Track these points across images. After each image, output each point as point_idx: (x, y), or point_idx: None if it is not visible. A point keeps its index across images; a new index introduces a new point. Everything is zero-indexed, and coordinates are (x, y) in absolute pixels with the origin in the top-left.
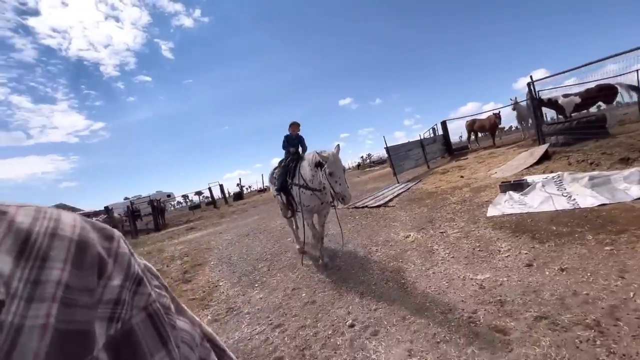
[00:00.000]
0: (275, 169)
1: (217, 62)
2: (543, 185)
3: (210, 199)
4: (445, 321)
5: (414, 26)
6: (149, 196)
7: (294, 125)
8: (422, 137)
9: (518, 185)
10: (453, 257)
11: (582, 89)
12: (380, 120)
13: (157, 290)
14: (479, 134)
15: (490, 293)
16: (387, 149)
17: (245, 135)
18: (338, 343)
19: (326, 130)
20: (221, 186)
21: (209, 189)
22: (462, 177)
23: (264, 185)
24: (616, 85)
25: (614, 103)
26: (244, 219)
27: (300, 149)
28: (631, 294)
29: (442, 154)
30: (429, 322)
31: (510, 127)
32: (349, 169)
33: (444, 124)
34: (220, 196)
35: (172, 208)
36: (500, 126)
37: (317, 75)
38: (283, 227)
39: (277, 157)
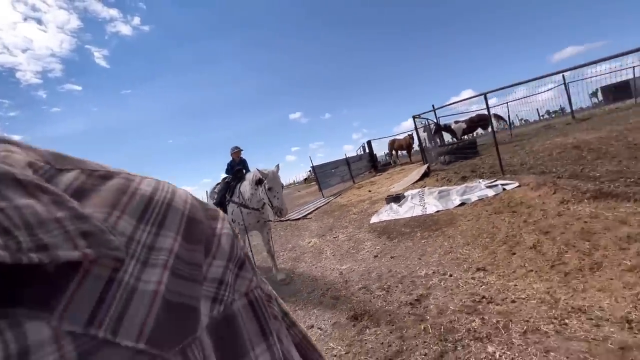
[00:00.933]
0: (217, 184)
1: (161, 73)
2: (412, 198)
3: None
4: (308, 298)
5: (362, 43)
6: None
7: (236, 151)
8: (359, 153)
9: (397, 198)
10: (334, 254)
11: (468, 117)
12: (330, 134)
13: (260, 277)
14: (399, 152)
15: (344, 277)
16: (313, 168)
17: (191, 149)
18: None
19: (277, 144)
20: None
21: None
22: (369, 191)
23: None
24: (490, 115)
25: (489, 129)
26: None
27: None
28: (417, 268)
29: (369, 170)
30: (297, 300)
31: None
32: (297, 183)
33: (369, 143)
34: None
35: None
36: (414, 145)
37: (268, 89)
38: None
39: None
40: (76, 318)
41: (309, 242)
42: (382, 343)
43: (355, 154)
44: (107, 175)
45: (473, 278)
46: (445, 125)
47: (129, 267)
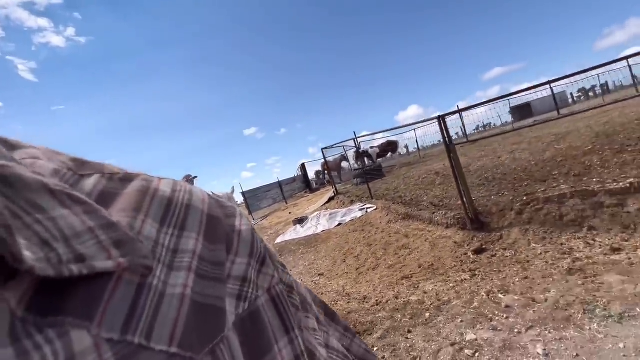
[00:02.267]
0: None
1: (101, 87)
2: (312, 219)
3: None
4: None
5: (312, 57)
6: None
7: (190, 179)
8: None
9: (301, 220)
10: None
11: (380, 142)
12: (287, 149)
13: (281, 268)
14: (332, 174)
15: None
16: (243, 194)
17: (139, 168)
18: None
19: (233, 160)
20: None
21: None
22: (290, 213)
23: None
24: (396, 141)
25: (398, 153)
26: None
27: None
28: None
29: (304, 190)
30: None
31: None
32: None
33: (302, 165)
34: None
35: None
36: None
37: (221, 104)
38: None
39: None
40: (113, 325)
41: None
42: None
43: (296, 174)
44: (127, 178)
45: (313, 281)
46: (364, 150)
47: (157, 271)
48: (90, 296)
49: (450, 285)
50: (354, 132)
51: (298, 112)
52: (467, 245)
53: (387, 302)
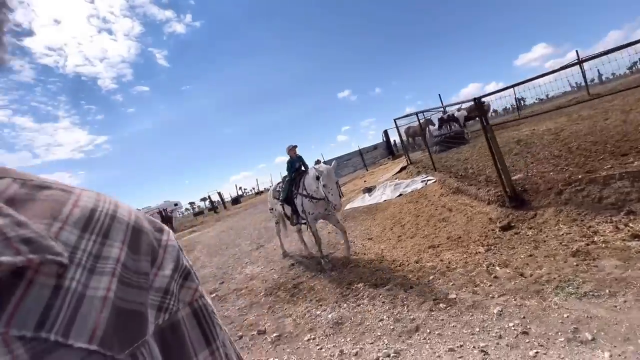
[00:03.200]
0: (278, 184)
1: (213, 66)
2: (378, 189)
3: (211, 206)
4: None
5: (409, 8)
6: (157, 207)
7: (292, 149)
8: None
9: (369, 189)
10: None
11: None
12: (382, 109)
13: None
14: (415, 139)
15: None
16: (324, 163)
17: (246, 137)
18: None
19: (328, 125)
20: (219, 194)
21: (209, 197)
22: (365, 181)
23: (259, 188)
24: (485, 102)
25: (491, 114)
26: (229, 222)
27: (302, 168)
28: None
29: (387, 157)
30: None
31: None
32: None
33: (385, 132)
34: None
35: (181, 215)
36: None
37: (315, 70)
38: (245, 227)
39: (280, 156)
40: (25, 323)
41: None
42: (337, 277)
43: (382, 141)
44: (42, 185)
45: (362, 244)
46: (449, 115)
47: (76, 274)
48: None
49: (465, 256)
50: (439, 95)
51: (393, 69)
52: (499, 222)
53: (407, 265)
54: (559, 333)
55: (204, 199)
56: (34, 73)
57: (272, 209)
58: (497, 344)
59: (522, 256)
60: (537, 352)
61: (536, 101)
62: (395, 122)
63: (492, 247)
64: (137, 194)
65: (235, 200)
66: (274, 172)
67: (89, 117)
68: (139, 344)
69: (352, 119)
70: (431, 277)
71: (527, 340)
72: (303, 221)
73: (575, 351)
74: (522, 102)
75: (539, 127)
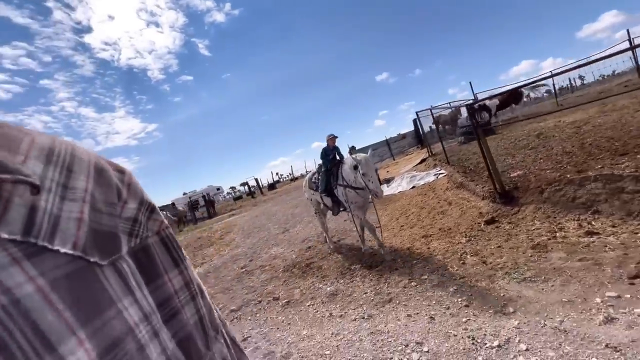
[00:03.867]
0: (313, 174)
1: (251, 52)
2: (396, 180)
3: (249, 191)
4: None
5: None
6: (202, 190)
7: (332, 138)
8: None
9: (388, 180)
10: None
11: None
12: (422, 92)
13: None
14: (446, 128)
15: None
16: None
17: (284, 123)
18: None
19: (365, 109)
20: (256, 179)
21: (247, 182)
22: (388, 172)
23: (293, 175)
24: (519, 90)
25: (521, 103)
26: (264, 207)
27: (338, 157)
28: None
29: (416, 145)
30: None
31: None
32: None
33: (414, 121)
34: (257, 187)
35: (222, 199)
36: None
37: (352, 53)
38: (275, 213)
39: (317, 141)
40: (12, 230)
41: None
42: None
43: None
44: None
45: (368, 232)
46: (479, 105)
47: (49, 197)
48: None
49: (448, 245)
50: (470, 83)
51: (435, 49)
52: (486, 217)
53: (400, 251)
54: (491, 307)
55: (243, 184)
56: (93, 67)
57: (309, 198)
58: (444, 313)
59: (492, 247)
60: (468, 319)
61: (599, 78)
62: (417, 115)
63: (473, 239)
64: (184, 178)
65: (272, 186)
66: (309, 158)
67: (140, 106)
68: (117, 257)
69: (390, 103)
70: (414, 262)
71: (465, 311)
72: (342, 209)
73: (496, 319)
74: (582, 80)
75: (566, 119)
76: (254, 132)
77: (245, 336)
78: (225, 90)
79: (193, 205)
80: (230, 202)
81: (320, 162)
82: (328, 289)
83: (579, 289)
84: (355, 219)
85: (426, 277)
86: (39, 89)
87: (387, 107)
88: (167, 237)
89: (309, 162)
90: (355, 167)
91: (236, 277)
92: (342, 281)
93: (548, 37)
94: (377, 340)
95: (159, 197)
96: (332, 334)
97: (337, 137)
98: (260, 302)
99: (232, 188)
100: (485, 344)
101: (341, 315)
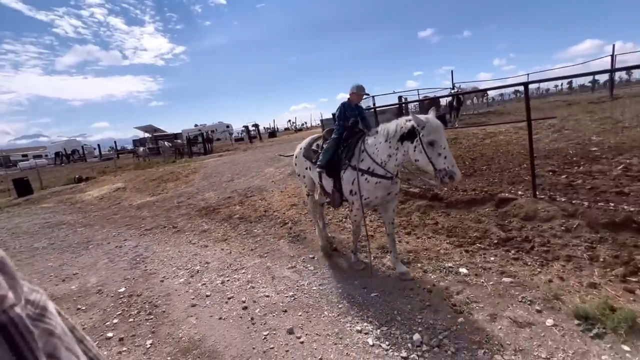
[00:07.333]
0: (314, 139)
1: None
2: None
3: (248, 135)
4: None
5: None
6: (212, 125)
7: (358, 94)
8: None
9: None
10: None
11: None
12: (466, 57)
13: (27, 285)
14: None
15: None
16: (322, 121)
17: (313, 67)
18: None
19: (399, 67)
20: (256, 125)
21: (247, 127)
22: None
23: (306, 124)
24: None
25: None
26: (244, 154)
27: (360, 125)
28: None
29: None
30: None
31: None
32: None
33: (400, 97)
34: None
35: (227, 137)
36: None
37: (398, 1)
38: (239, 162)
39: (342, 92)
40: None
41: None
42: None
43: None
44: None
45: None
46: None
47: None
48: None
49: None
50: (452, 72)
51: (491, 10)
52: None
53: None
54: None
55: (255, 126)
56: None
57: (299, 174)
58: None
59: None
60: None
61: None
62: (399, 100)
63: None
64: (201, 109)
65: (272, 134)
66: (326, 110)
67: (170, 25)
68: None
69: (428, 64)
70: (378, 236)
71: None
72: (346, 204)
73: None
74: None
75: (502, 128)
76: (280, 72)
77: (138, 246)
78: (258, 22)
79: (190, 140)
80: (229, 143)
81: (335, 123)
82: (206, 227)
83: None
84: (356, 217)
85: (374, 245)
86: None
87: (423, 67)
88: (11, 321)
89: (326, 115)
90: (410, 135)
91: (169, 209)
92: (225, 225)
93: (624, 16)
94: (199, 256)
95: (173, 124)
96: (179, 251)
97: (367, 94)
98: (165, 227)
99: (246, 127)
100: None
101: (202, 246)
